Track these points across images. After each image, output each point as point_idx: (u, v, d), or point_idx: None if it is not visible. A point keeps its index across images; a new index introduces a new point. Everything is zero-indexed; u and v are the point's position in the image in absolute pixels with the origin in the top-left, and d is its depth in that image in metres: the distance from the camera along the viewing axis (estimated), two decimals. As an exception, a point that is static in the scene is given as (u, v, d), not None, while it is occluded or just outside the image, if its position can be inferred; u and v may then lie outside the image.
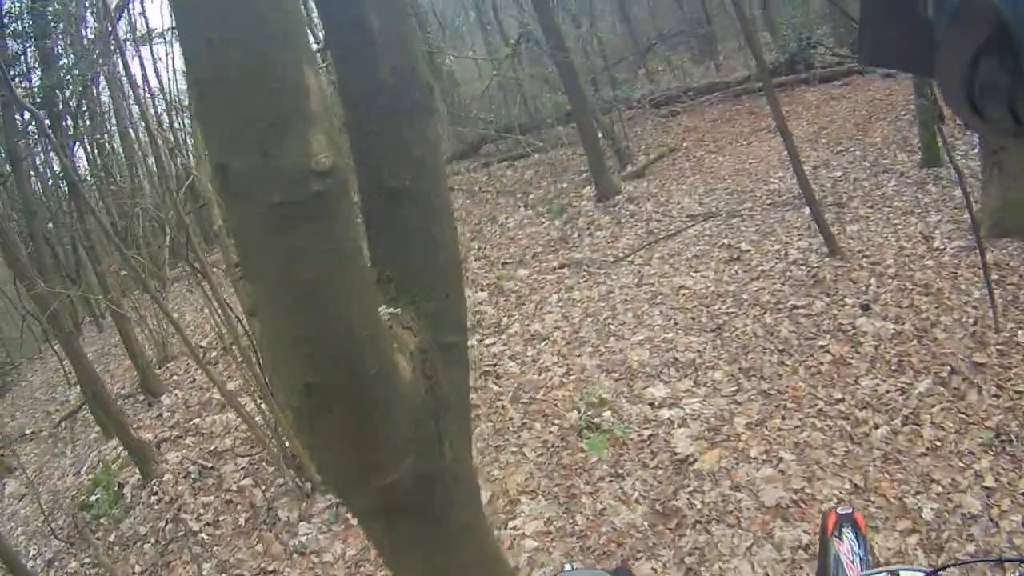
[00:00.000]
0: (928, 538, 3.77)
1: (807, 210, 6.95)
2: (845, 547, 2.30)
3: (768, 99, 6.66)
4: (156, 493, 6.43)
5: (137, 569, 5.60)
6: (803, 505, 4.11)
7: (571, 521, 4.56)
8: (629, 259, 8.30)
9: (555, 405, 5.77)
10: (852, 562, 2.25)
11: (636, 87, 15.52)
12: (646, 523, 4.31)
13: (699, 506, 4.30)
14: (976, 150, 7.36)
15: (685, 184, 10.64)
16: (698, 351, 5.84)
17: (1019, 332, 5.04)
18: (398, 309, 1.57)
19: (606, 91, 14.86)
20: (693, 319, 6.37)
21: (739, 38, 19.64)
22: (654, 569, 3.93)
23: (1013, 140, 0.47)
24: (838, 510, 2.45)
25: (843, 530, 2.36)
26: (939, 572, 1.82)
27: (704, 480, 4.50)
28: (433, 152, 1.62)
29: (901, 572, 2.03)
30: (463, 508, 1.74)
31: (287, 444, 5.60)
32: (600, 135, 11.82)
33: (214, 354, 9.63)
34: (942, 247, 6.19)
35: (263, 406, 5.83)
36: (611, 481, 4.79)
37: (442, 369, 1.57)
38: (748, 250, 7.36)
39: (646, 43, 19.46)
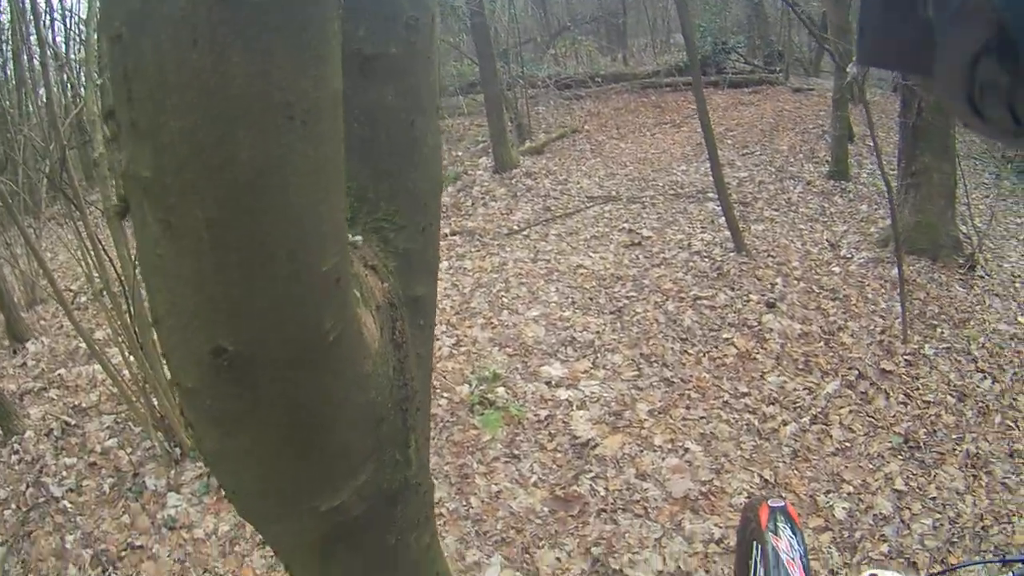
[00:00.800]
0: (841, 536, 3.71)
1: (711, 204, 6.90)
2: (783, 543, 2.11)
3: (695, 91, 6.59)
4: (17, 452, 5.74)
5: (-4, 539, 4.92)
6: (712, 498, 3.96)
7: (465, 503, 4.23)
8: (524, 233, 8.03)
9: (444, 377, 5.42)
10: (792, 559, 2.07)
11: (542, 67, 15.39)
12: (546, 509, 4.04)
13: (603, 493, 4.08)
14: (878, 172, 7.56)
15: (585, 166, 10.50)
16: (597, 332, 5.63)
17: (925, 345, 5.13)
18: (358, 237, 1.16)
19: (513, 67, 14.63)
20: (591, 299, 6.16)
21: (649, 34, 19.95)
22: (558, 559, 3.66)
23: (1013, 140, 0.45)
24: (769, 502, 2.26)
25: (779, 524, 2.17)
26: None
27: (607, 466, 4.29)
28: (429, 19, 1.19)
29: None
30: (424, 528, 1.37)
31: (155, 403, 5.03)
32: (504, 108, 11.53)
33: (84, 299, 8.76)
34: (849, 256, 6.27)
35: (132, 359, 5.20)
36: (507, 462, 4.50)
37: (410, 336, 1.17)
38: (650, 236, 7.24)
39: (558, 26, 19.38)
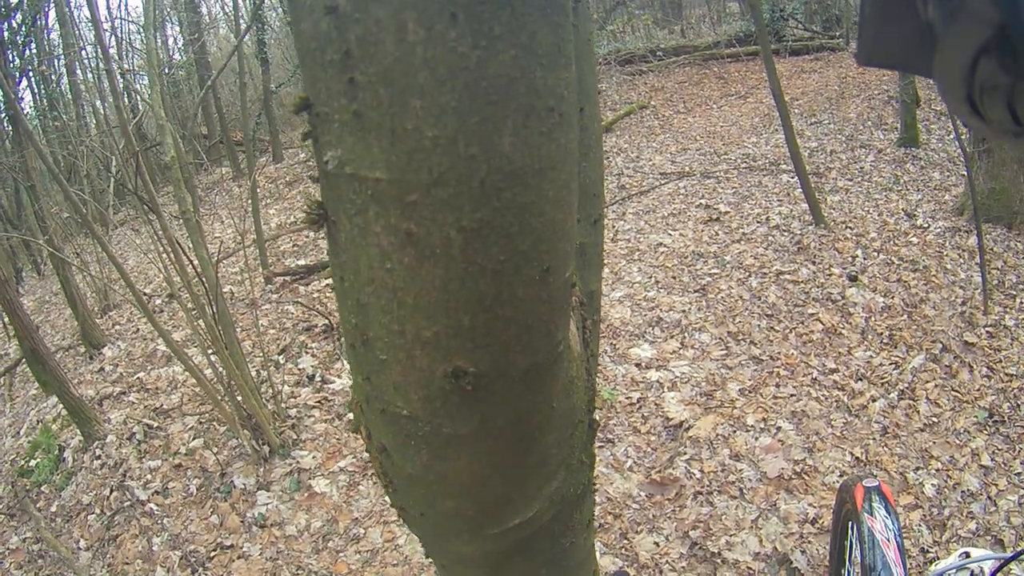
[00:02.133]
0: (930, 514, 3.78)
1: (785, 177, 6.90)
2: (879, 524, 2.20)
3: (765, 60, 6.52)
4: (99, 457, 5.91)
5: (82, 544, 5.06)
6: (806, 477, 4.06)
7: (564, 489, 4.41)
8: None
9: None
10: (887, 540, 2.15)
11: (601, 44, 15.27)
12: (643, 494, 4.19)
13: (698, 476, 4.21)
14: (953, 135, 7.42)
15: (655, 142, 10.52)
16: (683, 311, 5.72)
17: (1006, 316, 5.11)
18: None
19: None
20: (674, 278, 6.25)
21: (706, 4, 19.64)
22: (656, 543, 3.82)
23: (1013, 140, 0.46)
24: (864, 482, 2.34)
25: (874, 505, 2.26)
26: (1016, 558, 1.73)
27: (701, 448, 4.41)
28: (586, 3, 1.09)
29: (972, 554, 1.95)
30: (591, 528, 1.30)
31: (241, 402, 5.04)
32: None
33: (159, 302, 9.15)
34: (926, 226, 6.22)
35: (214, 359, 5.22)
36: (601, 446, 4.63)
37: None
38: (727, 212, 7.29)
39: (613, 1, 19.27)
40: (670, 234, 7.08)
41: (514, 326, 0.77)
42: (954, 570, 1.89)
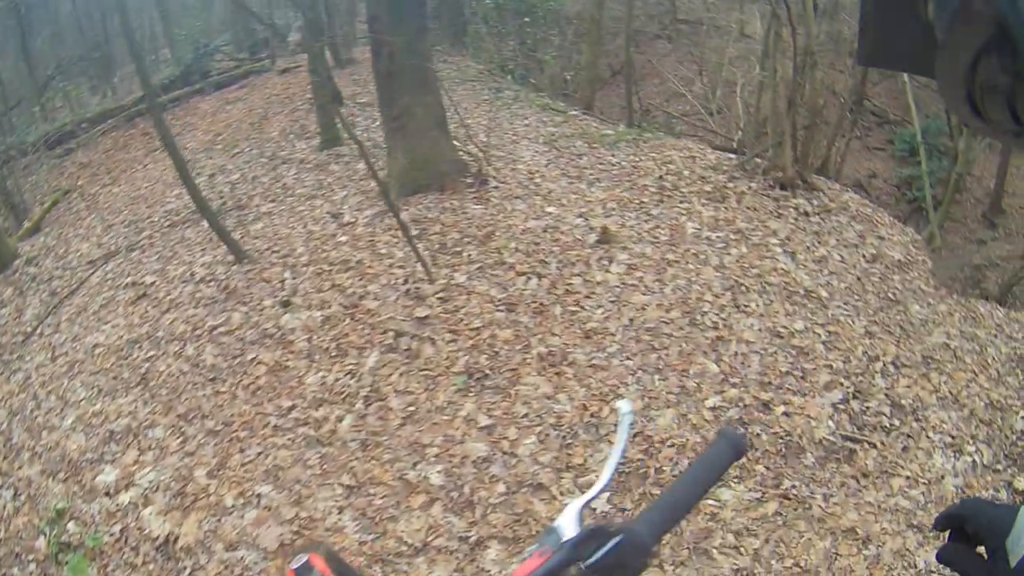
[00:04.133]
0: (450, 500, 3.77)
1: (206, 222, 6.50)
2: None
3: (154, 119, 5.92)
4: None
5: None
6: (307, 531, 3.76)
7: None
8: (39, 331, 6.97)
9: (20, 538, 4.53)
10: None
11: (31, 129, 13.74)
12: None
13: (205, 584, 3.65)
14: (378, 123, 7.66)
15: (82, 228, 9.40)
16: (131, 413, 5.06)
17: (454, 274, 5.28)
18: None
19: (6, 138, 12.65)
20: (115, 379, 5.51)
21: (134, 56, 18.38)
22: None
23: (1013, 140, 0.47)
24: (292, 566, 2.03)
25: None
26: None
27: (197, 555, 3.86)
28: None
29: None
30: None
31: None
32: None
33: None
34: (353, 220, 6.25)
35: None
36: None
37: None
38: (153, 282, 6.62)
39: (45, 77, 17.01)
40: (103, 330, 6.24)
41: None
42: None
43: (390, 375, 4.55)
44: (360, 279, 5.38)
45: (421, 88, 6.58)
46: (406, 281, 5.31)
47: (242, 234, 6.63)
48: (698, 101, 13.70)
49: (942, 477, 4.24)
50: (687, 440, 4.12)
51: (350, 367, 4.63)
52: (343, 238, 5.98)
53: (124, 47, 18.36)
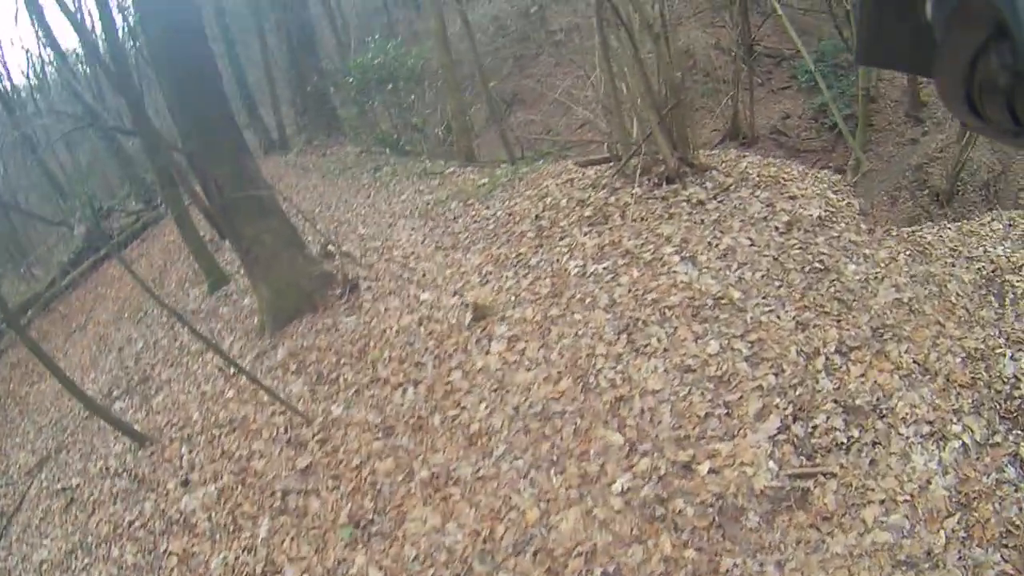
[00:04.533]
0: None
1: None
2: None
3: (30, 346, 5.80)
4: None
5: None
6: None
7: None
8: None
9: None
10: None
11: None
12: None
13: None
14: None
15: (19, 435, 9.30)
16: None
17: (332, 407, 5.14)
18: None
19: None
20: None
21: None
22: None
23: (1012, 140, 0.47)
24: None
25: None
26: None
27: None
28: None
29: None
30: None
31: None
32: None
33: None
34: (241, 365, 6.14)
35: None
36: None
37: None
38: (79, 484, 6.47)
39: None
40: (45, 544, 6.04)
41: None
42: None
43: (282, 542, 4.38)
44: (246, 438, 5.27)
45: (261, 214, 6.40)
46: (287, 429, 5.16)
47: (147, 411, 6.57)
48: (588, 108, 13.46)
49: (928, 482, 3.36)
50: (596, 544, 3.45)
51: (246, 541, 4.50)
52: (230, 393, 5.87)
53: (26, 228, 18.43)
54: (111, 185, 19.35)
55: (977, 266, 4.95)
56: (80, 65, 19.16)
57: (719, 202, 5.89)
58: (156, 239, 12.60)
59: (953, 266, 5.01)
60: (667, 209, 6.00)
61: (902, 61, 0.57)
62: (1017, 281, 4.69)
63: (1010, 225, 5.34)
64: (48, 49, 17.09)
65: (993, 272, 4.82)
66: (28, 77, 28.65)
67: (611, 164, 7.24)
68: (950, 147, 11.12)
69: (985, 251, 5.08)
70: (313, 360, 5.71)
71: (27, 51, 43.89)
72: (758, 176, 6.21)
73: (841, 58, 13.62)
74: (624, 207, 6.24)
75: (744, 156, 7.07)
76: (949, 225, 5.60)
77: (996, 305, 4.54)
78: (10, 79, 29.40)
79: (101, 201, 16.09)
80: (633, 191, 6.37)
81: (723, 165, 6.55)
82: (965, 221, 5.67)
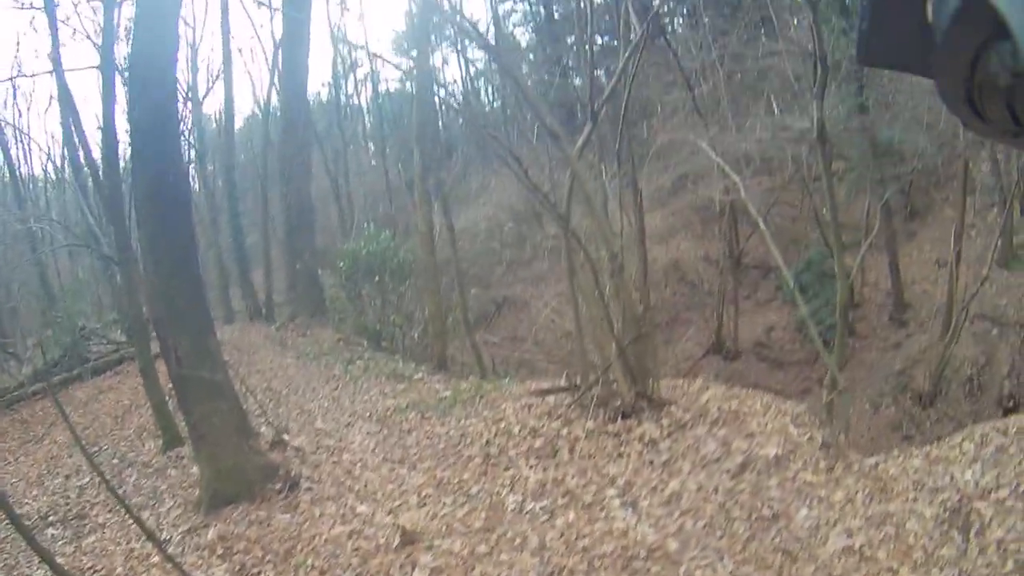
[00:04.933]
0: None
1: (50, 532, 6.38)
2: None
3: None
4: None
5: None
6: None
7: None
8: None
9: None
10: None
11: None
12: None
13: None
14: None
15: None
16: None
17: None
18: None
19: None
20: None
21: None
22: None
23: (1012, 141, 0.48)
24: None
25: None
26: None
27: None
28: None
29: None
30: None
31: None
32: None
33: None
34: (168, 538, 6.28)
35: None
36: None
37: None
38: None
39: None
40: None
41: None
42: None
43: None
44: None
45: (214, 395, 6.55)
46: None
47: (75, 548, 6.59)
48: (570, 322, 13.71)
49: None
50: None
51: None
52: (155, 559, 5.98)
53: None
54: (103, 306, 19.72)
55: (941, 498, 4.61)
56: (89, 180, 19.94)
57: (672, 440, 5.95)
58: (131, 377, 12.69)
59: (915, 501, 4.72)
60: (618, 447, 6.13)
61: (902, 62, 0.58)
62: (984, 508, 4.37)
63: (982, 444, 5.03)
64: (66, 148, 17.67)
65: (959, 502, 4.51)
66: (45, 171, 29.47)
67: (570, 392, 7.38)
68: (933, 347, 11.37)
69: (952, 478, 4.78)
70: (240, 550, 5.86)
71: (49, 147, 43.02)
72: (718, 411, 6.25)
73: (827, 265, 13.60)
74: (575, 441, 6.40)
75: (707, 388, 7.15)
76: (916, 452, 5.36)
77: (959, 540, 4.25)
78: (30, 167, 29.24)
79: (87, 320, 16.36)
80: (586, 424, 6.55)
81: (683, 399, 6.66)
82: (934, 446, 5.41)
